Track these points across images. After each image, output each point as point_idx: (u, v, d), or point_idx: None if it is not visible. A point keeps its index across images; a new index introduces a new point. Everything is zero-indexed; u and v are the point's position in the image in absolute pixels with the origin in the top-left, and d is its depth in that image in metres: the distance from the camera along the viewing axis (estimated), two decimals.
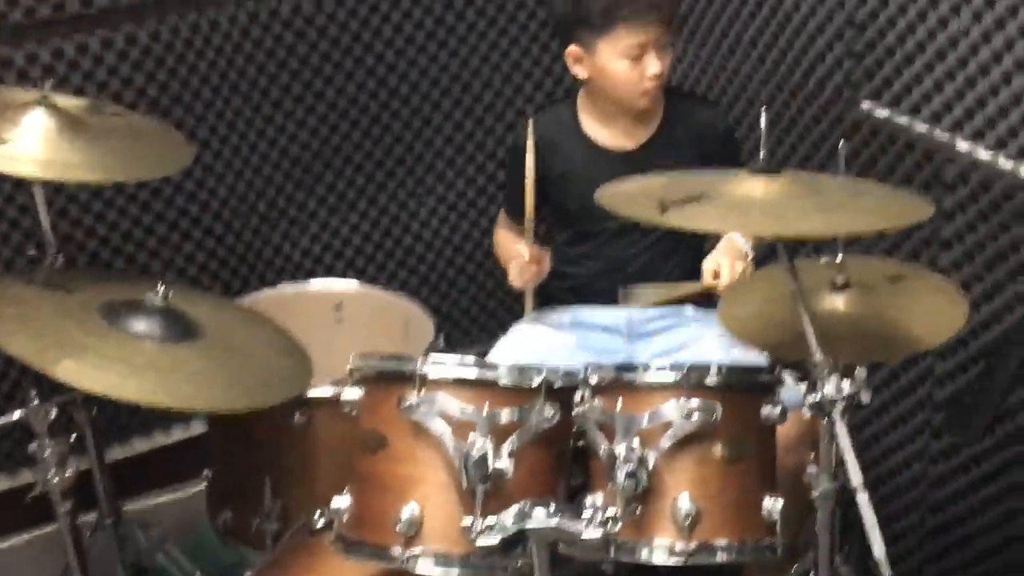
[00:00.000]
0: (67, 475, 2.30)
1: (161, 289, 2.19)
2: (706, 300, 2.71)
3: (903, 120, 2.73)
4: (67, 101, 2.35)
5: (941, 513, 2.81)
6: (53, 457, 2.28)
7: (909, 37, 2.65)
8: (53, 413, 2.27)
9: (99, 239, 3.02)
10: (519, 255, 2.56)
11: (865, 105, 2.81)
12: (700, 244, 2.71)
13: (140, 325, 2.17)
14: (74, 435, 2.33)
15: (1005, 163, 2.53)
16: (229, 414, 2.41)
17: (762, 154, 2.06)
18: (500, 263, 2.81)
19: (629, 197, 2.12)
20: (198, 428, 3.18)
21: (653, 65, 2.50)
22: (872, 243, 2.78)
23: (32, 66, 2.84)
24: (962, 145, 2.61)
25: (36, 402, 2.25)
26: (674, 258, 2.66)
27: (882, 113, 2.77)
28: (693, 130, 2.62)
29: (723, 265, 2.50)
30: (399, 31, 3.18)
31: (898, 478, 2.91)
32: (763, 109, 2.16)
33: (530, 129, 2.50)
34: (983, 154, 2.56)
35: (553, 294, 2.70)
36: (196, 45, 2.99)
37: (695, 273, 2.66)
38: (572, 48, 2.55)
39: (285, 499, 2.45)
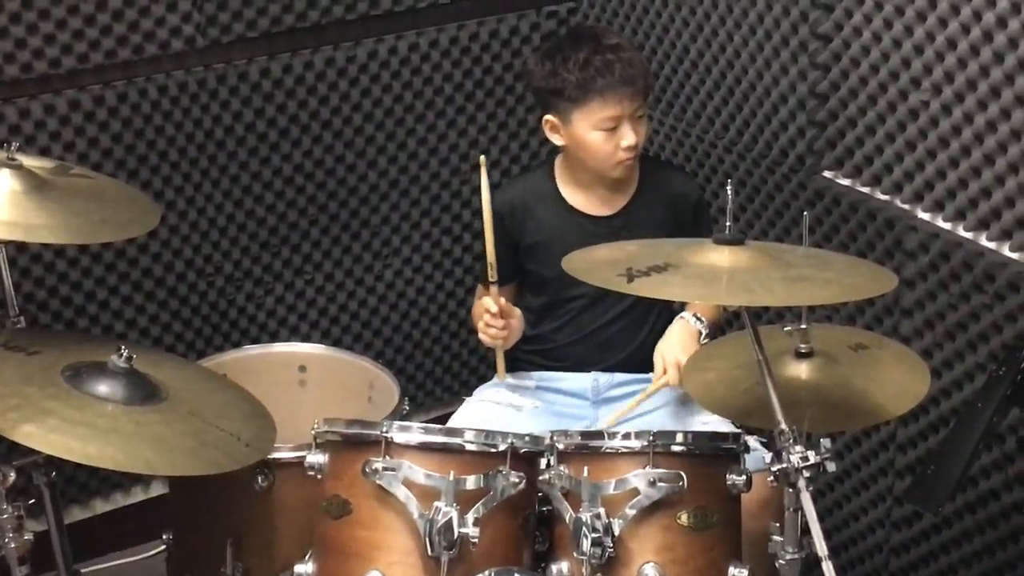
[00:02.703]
0: (24, 539, 2.27)
1: (124, 352, 2.18)
2: None
3: (864, 190, 2.77)
4: (33, 162, 2.34)
5: None
6: (10, 521, 2.25)
7: (870, 108, 2.69)
8: (12, 476, 2.23)
9: (62, 299, 3.01)
10: (485, 309, 2.55)
11: (827, 174, 2.84)
12: (672, 313, 2.72)
13: (103, 388, 2.16)
14: (32, 499, 2.30)
15: (964, 233, 2.56)
16: (190, 476, 2.38)
17: (728, 225, 2.08)
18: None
19: (596, 265, 2.14)
20: (158, 489, 3.16)
21: (628, 137, 2.51)
22: (834, 311, 2.81)
23: None
24: (922, 215, 2.64)
25: None
26: (646, 326, 2.67)
27: (844, 183, 2.81)
28: (667, 198, 2.64)
29: (669, 369, 2.53)
30: (366, 94, 3.20)
31: (861, 544, 2.91)
32: (729, 182, 2.18)
33: (483, 168, 2.49)
34: (943, 224, 2.60)
35: (520, 357, 2.70)
36: (163, 106, 2.99)
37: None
38: (548, 117, 2.57)
39: (246, 564, 2.42)
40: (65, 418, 2.08)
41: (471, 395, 2.74)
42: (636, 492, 2.11)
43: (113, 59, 2.92)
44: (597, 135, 2.52)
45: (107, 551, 3.12)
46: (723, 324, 2.76)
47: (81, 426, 2.08)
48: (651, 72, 2.78)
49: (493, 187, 2.54)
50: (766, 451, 2.27)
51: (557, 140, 2.59)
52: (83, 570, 2.68)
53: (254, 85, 3.07)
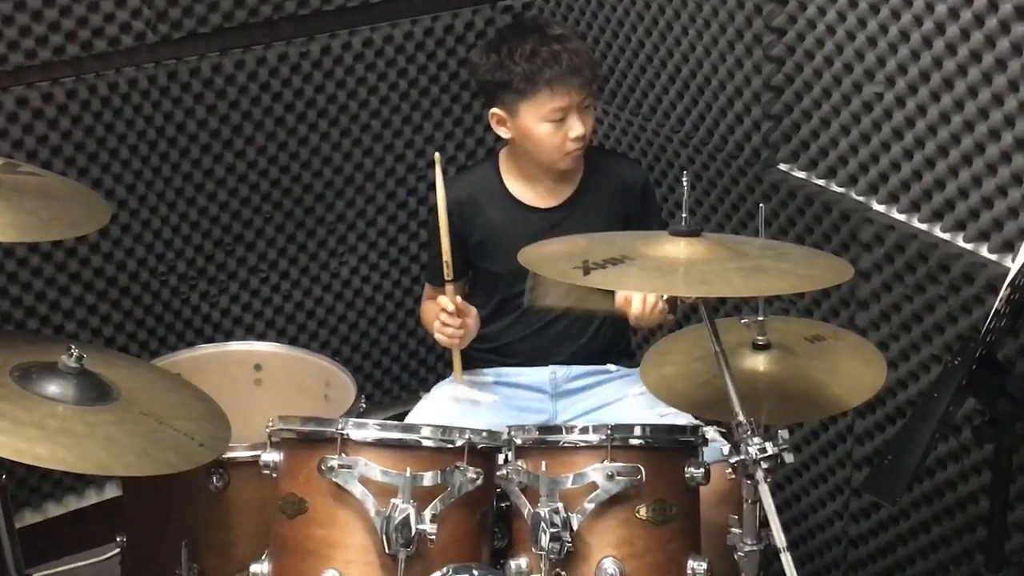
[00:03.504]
0: None
1: (75, 351, 2.15)
2: (628, 359, 2.72)
3: (820, 182, 2.77)
4: None
5: (862, 571, 2.83)
6: None
7: (825, 101, 2.70)
8: None
9: (12, 299, 2.96)
10: (441, 308, 2.53)
11: (782, 167, 2.85)
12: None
13: (53, 388, 2.13)
14: None
15: (919, 224, 2.57)
16: (144, 477, 2.35)
17: (684, 216, 2.08)
18: (429, 333, 2.67)
19: (552, 258, 2.13)
20: (112, 491, 3.12)
21: (575, 128, 2.51)
22: (791, 303, 2.81)
23: None
24: (877, 207, 2.65)
25: None
26: (596, 319, 2.66)
27: (799, 175, 2.82)
28: (614, 187, 2.64)
29: (635, 296, 2.48)
30: (320, 90, 3.17)
31: (819, 536, 2.92)
32: (684, 173, 2.18)
33: (438, 165, 2.48)
34: (897, 216, 2.61)
35: (475, 356, 2.68)
36: (113, 103, 2.95)
37: (620, 333, 2.67)
38: (495, 110, 2.56)
39: (202, 565, 2.40)
40: (14, 419, 2.05)
41: (428, 392, 2.72)
42: (594, 486, 2.10)
43: (61, 55, 2.88)
44: (545, 127, 2.51)
45: (60, 555, 3.09)
46: (680, 318, 2.76)
47: (31, 427, 2.05)
48: (597, 62, 2.78)
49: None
50: (725, 441, 2.27)
51: (504, 133, 2.58)
52: (35, 574, 2.66)
53: (206, 81, 3.04)
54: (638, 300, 2.47)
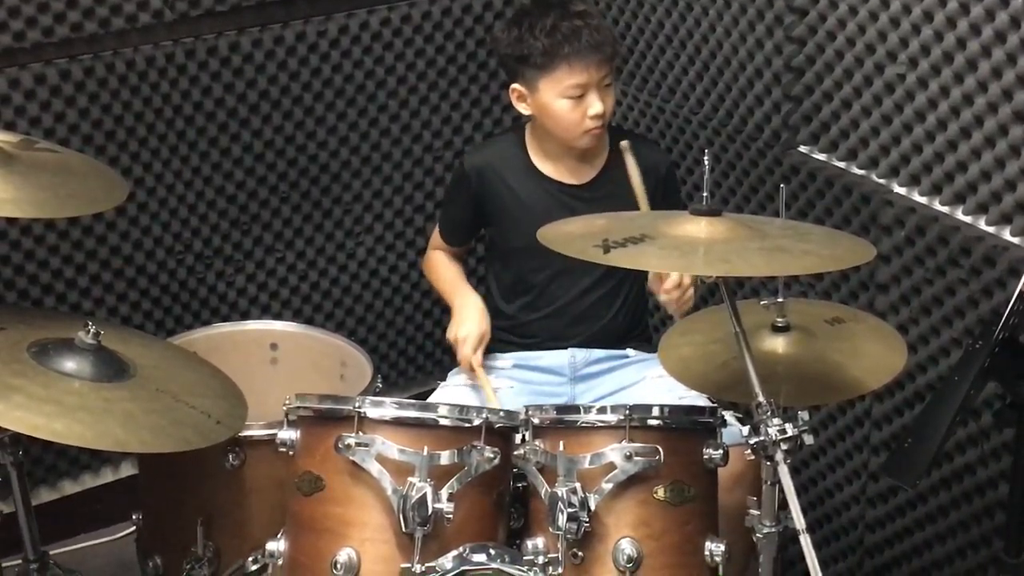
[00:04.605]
0: None
1: (92, 328, 2.15)
2: (647, 344, 2.70)
3: (840, 164, 2.75)
4: None
5: (879, 555, 2.82)
6: None
7: (846, 82, 2.67)
8: None
9: (29, 277, 2.96)
10: (466, 360, 2.58)
11: (802, 149, 2.83)
12: (643, 287, 2.70)
13: (70, 364, 2.13)
14: None
15: (940, 207, 2.56)
16: (160, 455, 2.35)
17: (705, 196, 2.06)
18: (430, 282, 2.82)
19: (572, 237, 2.11)
20: (128, 470, 3.12)
21: (595, 105, 2.50)
22: (810, 286, 2.80)
23: None
24: (898, 190, 2.63)
25: None
26: (617, 301, 2.65)
27: (819, 157, 2.80)
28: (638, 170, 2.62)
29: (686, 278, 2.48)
30: (338, 69, 3.16)
31: (836, 520, 2.91)
32: (706, 153, 2.16)
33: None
34: (918, 199, 2.59)
35: (495, 337, 2.67)
36: (131, 81, 2.95)
37: (639, 317, 2.65)
38: (515, 86, 2.56)
39: (218, 543, 2.40)
40: (31, 395, 2.05)
41: (444, 375, 2.72)
42: (612, 466, 2.10)
43: (79, 32, 2.87)
44: (564, 103, 2.50)
45: (76, 532, 3.09)
46: (698, 301, 2.75)
47: (48, 403, 2.05)
48: (618, 40, 2.77)
49: (459, 152, 2.52)
50: (742, 426, 2.26)
51: (524, 109, 2.57)
52: (52, 552, 2.66)
53: (223, 60, 3.03)
54: (675, 274, 2.45)
